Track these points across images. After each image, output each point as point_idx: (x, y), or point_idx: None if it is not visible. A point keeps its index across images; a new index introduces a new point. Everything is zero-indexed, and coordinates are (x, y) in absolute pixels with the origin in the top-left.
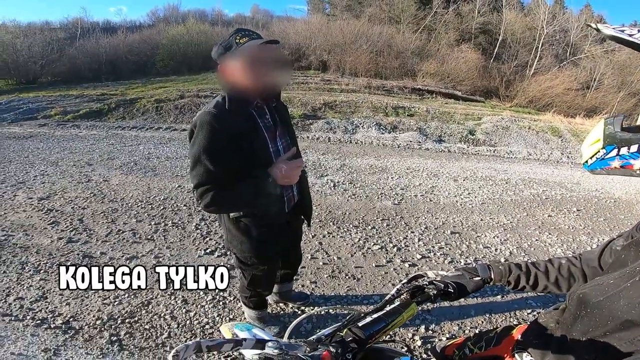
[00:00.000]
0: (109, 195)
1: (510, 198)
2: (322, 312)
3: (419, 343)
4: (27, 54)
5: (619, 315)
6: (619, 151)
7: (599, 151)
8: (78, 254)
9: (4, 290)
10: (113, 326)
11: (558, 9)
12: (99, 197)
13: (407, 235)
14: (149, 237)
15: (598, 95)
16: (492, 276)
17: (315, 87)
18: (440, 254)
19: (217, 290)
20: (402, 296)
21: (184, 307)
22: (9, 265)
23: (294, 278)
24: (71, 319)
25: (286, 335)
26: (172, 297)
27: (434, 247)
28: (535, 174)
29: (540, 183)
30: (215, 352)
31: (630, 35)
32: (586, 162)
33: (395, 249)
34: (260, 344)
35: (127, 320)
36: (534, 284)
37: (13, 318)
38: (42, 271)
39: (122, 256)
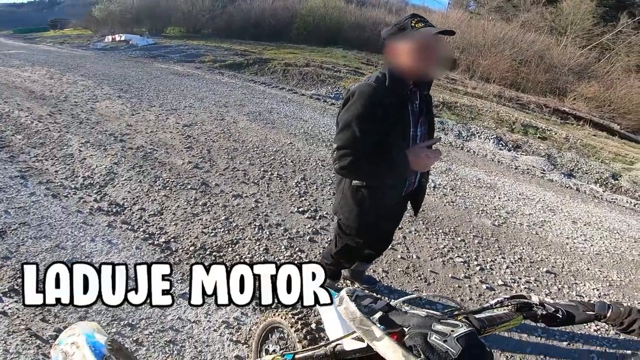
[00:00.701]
0: (234, 135)
1: (633, 257)
2: (423, 298)
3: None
4: (200, 7)
5: None
6: None
7: None
8: (198, 180)
9: (134, 198)
10: (201, 255)
11: None
12: (227, 135)
13: (495, 259)
14: (256, 181)
15: None
16: (608, 314)
17: (437, 84)
18: (524, 287)
19: (297, 248)
20: (505, 307)
21: (264, 256)
22: (145, 176)
23: (373, 261)
24: (172, 240)
25: (398, 302)
26: (257, 243)
27: (520, 279)
28: None
29: None
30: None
31: None
32: None
33: (478, 267)
34: (388, 306)
35: (214, 253)
36: None
37: (129, 227)
38: (167, 188)
39: (231, 192)
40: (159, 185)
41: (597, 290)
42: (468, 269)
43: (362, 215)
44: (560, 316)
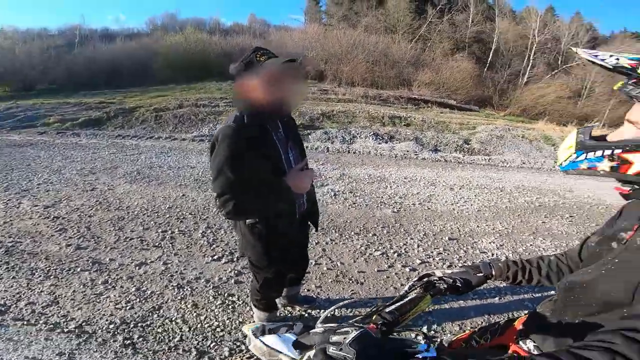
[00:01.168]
0: (115, 204)
1: (505, 205)
2: (348, 305)
3: (421, 337)
4: (25, 60)
5: (600, 298)
6: (586, 155)
7: (571, 155)
8: (87, 260)
9: (14, 296)
10: (126, 330)
11: (549, 17)
12: (104, 205)
13: (406, 242)
14: (157, 244)
15: (589, 104)
16: (494, 272)
17: (312, 97)
18: (439, 259)
19: (226, 294)
20: (415, 291)
21: (195, 311)
22: (18, 272)
23: (301, 282)
24: (84, 324)
25: (320, 321)
26: (183, 302)
27: (432, 252)
28: (529, 181)
29: (534, 190)
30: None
31: (602, 60)
32: (561, 164)
33: (395, 254)
34: (307, 328)
35: (139, 325)
36: (529, 278)
37: (25, 322)
38: (52, 277)
39: (131, 262)
40: (40, 276)
41: (493, 242)
42: (388, 258)
43: (267, 249)
44: (460, 285)
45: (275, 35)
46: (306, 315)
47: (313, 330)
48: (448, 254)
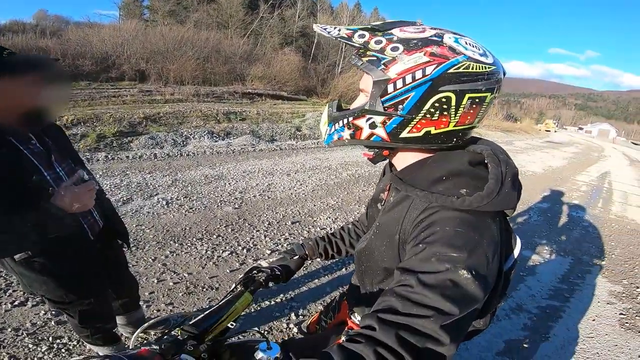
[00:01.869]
0: None
1: (333, 181)
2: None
3: (295, 330)
4: None
5: (380, 265)
6: (335, 127)
7: (327, 128)
8: None
9: None
10: None
11: (356, 12)
12: None
13: (253, 235)
14: None
15: None
16: (307, 252)
17: (132, 100)
18: (287, 245)
19: (50, 339)
20: (238, 290)
21: None
22: None
23: (140, 304)
24: None
25: (131, 345)
26: None
27: (280, 239)
28: (349, 157)
29: (354, 164)
30: None
31: (329, 33)
32: (323, 138)
33: (245, 250)
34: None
35: None
36: (338, 250)
37: None
38: None
39: None
40: None
41: (329, 218)
42: (238, 256)
43: (64, 281)
44: (279, 273)
45: (76, 34)
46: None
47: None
48: (294, 238)
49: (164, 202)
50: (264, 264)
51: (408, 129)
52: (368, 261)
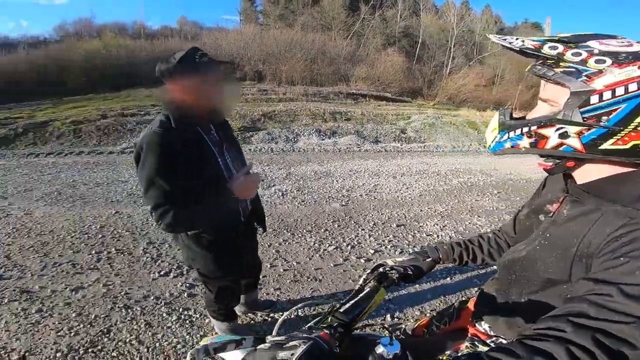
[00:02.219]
0: (35, 229)
1: (442, 188)
2: (299, 311)
3: (385, 332)
4: None
5: (541, 275)
6: (509, 135)
7: (496, 136)
8: (14, 290)
9: None
10: (76, 357)
11: (464, 10)
12: (23, 232)
13: (358, 233)
14: (92, 266)
15: (502, 89)
16: (440, 256)
17: (252, 99)
18: (391, 246)
19: (180, 310)
20: (369, 284)
21: (149, 331)
22: None
23: (258, 287)
24: (27, 353)
25: (275, 330)
26: (134, 322)
27: (384, 241)
28: (460, 164)
29: (465, 172)
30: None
31: (510, 43)
32: (490, 145)
33: (349, 247)
34: (259, 340)
35: (90, 350)
36: (473, 258)
37: None
38: None
39: (65, 288)
40: None
41: (436, 225)
42: (342, 252)
43: (218, 257)
44: (411, 273)
45: (209, 37)
46: (269, 319)
47: (260, 347)
48: (398, 240)
49: (280, 193)
50: (389, 262)
51: (612, 140)
52: (524, 271)
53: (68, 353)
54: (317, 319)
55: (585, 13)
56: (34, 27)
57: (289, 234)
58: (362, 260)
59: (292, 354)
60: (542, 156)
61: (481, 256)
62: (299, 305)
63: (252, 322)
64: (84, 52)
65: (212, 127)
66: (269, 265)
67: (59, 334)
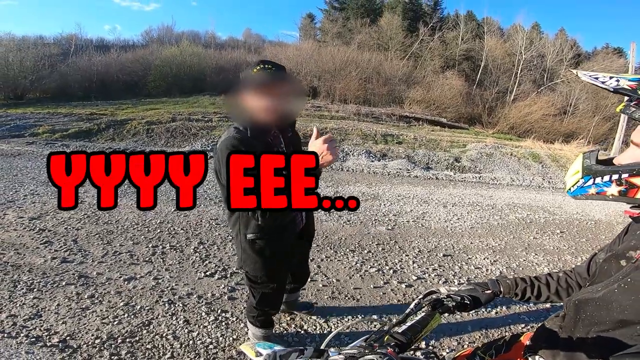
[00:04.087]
0: (103, 218)
1: (497, 222)
2: (354, 325)
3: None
4: (18, 68)
5: (615, 316)
6: (594, 181)
7: (579, 180)
8: (73, 274)
9: None
10: (113, 345)
11: (535, 34)
12: (92, 219)
13: (402, 259)
14: (147, 259)
15: (574, 120)
16: (502, 289)
17: (306, 114)
18: (435, 275)
19: (219, 311)
20: (423, 309)
21: (186, 328)
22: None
23: (301, 289)
24: (68, 338)
25: (326, 342)
26: (174, 318)
27: (428, 269)
28: (519, 198)
29: (524, 207)
30: None
31: (603, 82)
32: (569, 189)
33: (391, 271)
34: (318, 352)
35: (127, 340)
36: (538, 294)
37: (6, 335)
38: (35, 290)
39: (120, 277)
40: (22, 289)
41: (487, 259)
42: (384, 275)
43: (267, 263)
44: (468, 302)
45: (270, 51)
46: (302, 332)
47: (333, 358)
48: (443, 270)
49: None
50: (442, 290)
51: None
52: (597, 311)
53: (106, 341)
54: (373, 336)
55: None
56: (126, 31)
57: (332, 251)
58: (403, 286)
59: None
60: (629, 203)
61: (547, 294)
62: (355, 321)
63: (284, 332)
64: (163, 57)
65: (282, 139)
66: (309, 279)
67: (103, 321)
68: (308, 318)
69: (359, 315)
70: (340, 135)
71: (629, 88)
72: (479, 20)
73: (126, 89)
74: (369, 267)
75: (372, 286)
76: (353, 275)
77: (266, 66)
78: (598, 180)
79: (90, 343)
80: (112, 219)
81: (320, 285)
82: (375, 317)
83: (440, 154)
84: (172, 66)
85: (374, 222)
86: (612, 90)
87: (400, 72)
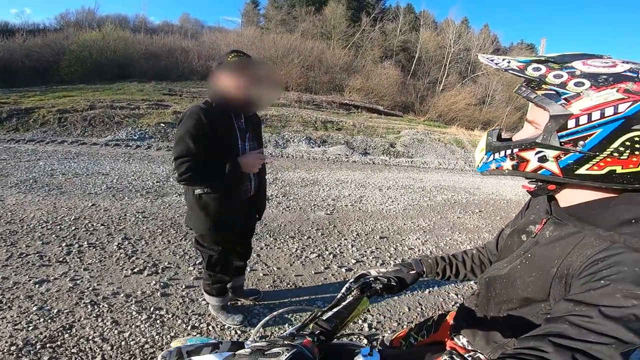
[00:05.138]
0: (5, 217)
1: (426, 203)
2: (283, 313)
3: (365, 341)
4: None
5: (520, 294)
6: (494, 156)
7: (483, 157)
8: None
9: None
10: (32, 351)
11: (463, 28)
12: None
13: (341, 243)
14: (61, 259)
15: (491, 110)
16: (424, 269)
17: None
18: (372, 258)
19: (152, 309)
20: (352, 293)
21: (116, 329)
22: None
23: (244, 273)
24: None
25: (253, 335)
26: (99, 319)
27: (366, 251)
28: (445, 181)
29: (450, 189)
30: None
31: (497, 64)
32: (478, 165)
33: (331, 256)
34: (236, 344)
35: (48, 345)
36: (456, 273)
37: None
38: None
39: (29, 280)
40: None
41: (419, 239)
42: (324, 260)
43: (209, 221)
44: (394, 284)
45: (209, 37)
46: (254, 305)
47: (239, 352)
48: (380, 252)
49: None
50: (372, 272)
51: (587, 166)
52: (504, 288)
53: (24, 347)
54: (298, 325)
55: (583, 32)
56: (38, 15)
57: (272, 238)
58: (344, 270)
59: None
60: (527, 178)
61: (464, 272)
62: (281, 310)
63: (239, 305)
64: (80, 42)
65: (243, 117)
66: (249, 269)
67: (16, 327)
68: (253, 305)
69: (302, 303)
70: (281, 122)
71: (517, 68)
72: (416, 13)
73: (34, 76)
74: (310, 253)
75: (313, 272)
76: (294, 262)
77: (239, 54)
78: (497, 155)
79: (5, 350)
80: (15, 218)
81: (261, 275)
82: (310, 301)
83: (377, 140)
84: (92, 51)
85: (313, 207)
86: (503, 69)
87: (341, 60)
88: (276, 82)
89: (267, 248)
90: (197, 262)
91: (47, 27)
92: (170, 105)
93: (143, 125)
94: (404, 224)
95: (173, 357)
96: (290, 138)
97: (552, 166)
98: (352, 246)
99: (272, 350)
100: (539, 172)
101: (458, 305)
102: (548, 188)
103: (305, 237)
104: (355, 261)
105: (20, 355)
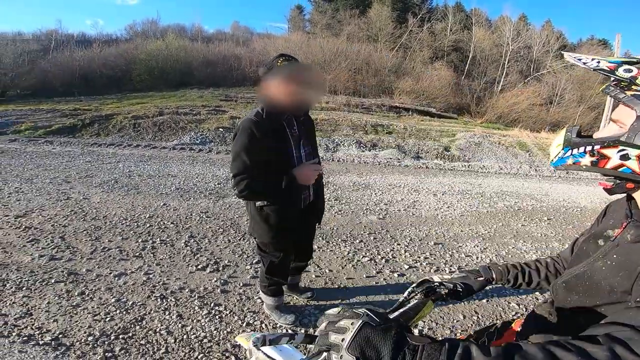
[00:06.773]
0: (91, 213)
1: (486, 210)
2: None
3: None
4: None
5: (604, 296)
6: (572, 152)
7: (560, 152)
8: (62, 272)
9: None
10: (107, 342)
11: (522, 25)
12: (80, 215)
13: (393, 248)
14: (137, 254)
15: (560, 110)
16: (494, 276)
17: None
18: (426, 264)
19: (212, 304)
20: (416, 297)
21: (180, 322)
22: None
23: (302, 272)
24: (60, 336)
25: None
26: (167, 313)
27: (419, 257)
28: (507, 186)
29: (512, 195)
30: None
31: (585, 63)
32: (552, 160)
33: (383, 260)
34: (309, 337)
35: (120, 336)
36: (529, 281)
37: None
38: (24, 288)
39: (110, 273)
40: (11, 288)
41: (477, 246)
42: (376, 264)
43: (273, 232)
44: (460, 290)
45: (259, 43)
46: (311, 305)
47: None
48: (435, 259)
49: None
50: (436, 278)
51: None
52: (587, 291)
53: (99, 337)
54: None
55: None
56: (109, 26)
57: (324, 241)
58: (396, 275)
59: (343, 340)
60: (604, 175)
61: (537, 280)
62: (347, 308)
63: (291, 304)
64: (149, 51)
65: (295, 123)
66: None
67: (95, 318)
68: (305, 306)
69: (354, 305)
70: (330, 126)
71: (607, 69)
72: (467, 12)
73: (110, 84)
74: (362, 256)
75: (364, 276)
76: (346, 265)
77: (288, 58)
78: (575, 151)
79: (83, 340)
80: (99, 215)
81: (314, 276)
82: (365, 303)
83: (430, 144)
84: (158, 60)
85: (365, 211)
86: (592, 69)
87: (389, 63)
88: (321, 83)
89: (319, 250)
90: (255, 261)
91: (119, 37)
92: (227, 111)
93: (204, 130)
94: (461, 231)
95: (260, 342)
96: (341, 142)
97: (633, 164)
98: (405, 251)
99: (340, 323)
100: (620, 169)
101: (520, 315)
102: (626, 187)
103: (357, 241)
104: (408, 267)
105: (95, 345)
